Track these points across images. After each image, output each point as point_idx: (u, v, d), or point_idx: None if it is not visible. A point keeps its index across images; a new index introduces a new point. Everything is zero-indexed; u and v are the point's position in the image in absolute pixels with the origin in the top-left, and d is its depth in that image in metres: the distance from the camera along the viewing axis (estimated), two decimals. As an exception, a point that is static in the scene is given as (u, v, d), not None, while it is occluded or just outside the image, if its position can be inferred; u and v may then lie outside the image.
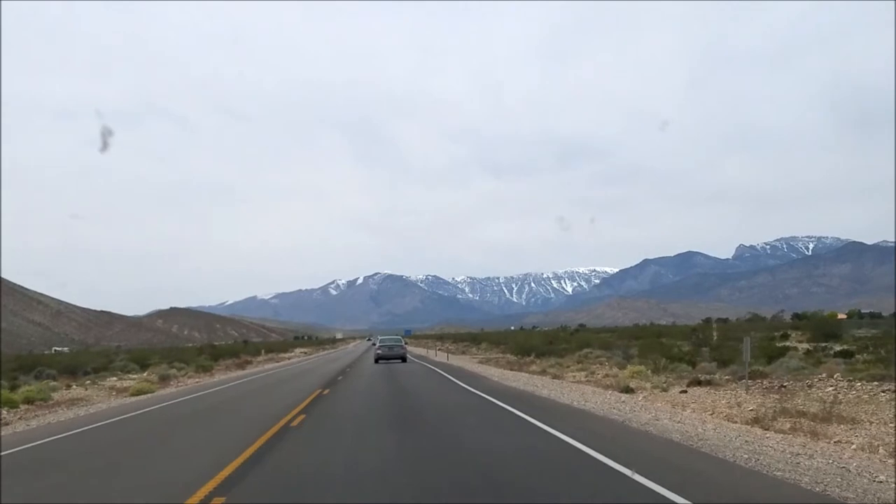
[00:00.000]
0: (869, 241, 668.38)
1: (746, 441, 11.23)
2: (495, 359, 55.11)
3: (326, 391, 23.72)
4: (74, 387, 34.98)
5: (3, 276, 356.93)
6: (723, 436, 11.83)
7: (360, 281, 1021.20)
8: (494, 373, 35.51)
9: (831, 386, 19.92)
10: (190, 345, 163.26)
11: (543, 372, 35.36)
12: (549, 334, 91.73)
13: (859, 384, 19.54)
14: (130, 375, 44.35)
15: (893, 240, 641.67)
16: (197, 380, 40.52)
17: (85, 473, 10.22)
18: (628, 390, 22.86)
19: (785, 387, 20.66)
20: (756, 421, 15.31)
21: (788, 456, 9.77)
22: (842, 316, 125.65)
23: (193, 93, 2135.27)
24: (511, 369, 39.98)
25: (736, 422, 15.35)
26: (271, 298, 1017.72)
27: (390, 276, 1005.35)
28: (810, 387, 20.32)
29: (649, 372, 28.99)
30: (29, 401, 26.44)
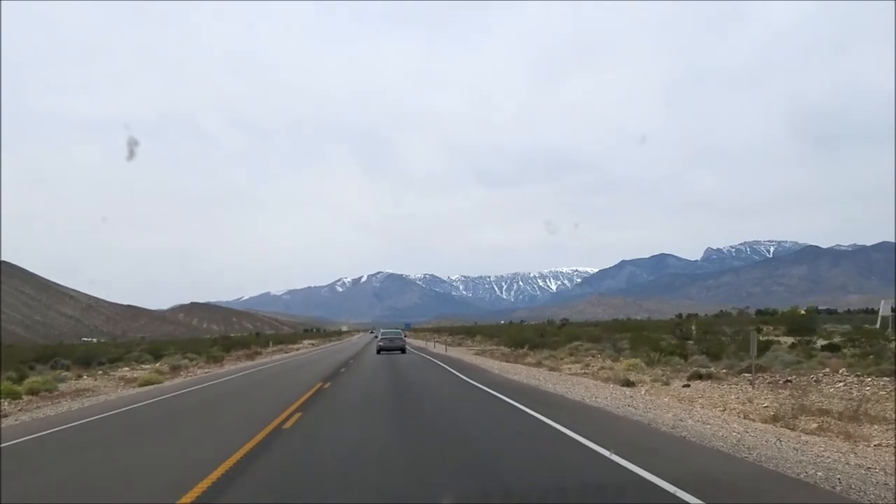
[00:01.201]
0: (824, 246, 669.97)
1: (795, 449, 8.94)
2: (490, 350, 52.85)
3: (327, 385, 21.22)
4: (85, 377, 32.65)
5: (37, 273, 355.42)
6: (763, 441, 9.54)
7: (363, 279, 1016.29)
8: (493, 365, 33.05)
9: (840, 381, 17.70)
10: (207, 336, 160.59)
11: (539, 364, 33.12)
12: (538, 328, 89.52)
13: (869, 380, 17.31)
14: (143, 366, 42.02)
15: (865, 242, 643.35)
16: (206, 370, 38.22)
17: (43, 477, 8.23)
18: (629, 384, 20.64)
19: (790, 382, 18.43)
20: (775, 419, 13.10)
21: (863, 472, 7.45)
22: (801, 312, 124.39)
23: (212, 107, 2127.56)
24: (507, 361, 37.71)
25: (754, 419, 13.17)
26: (283, 294, 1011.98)
27: (391, 275, 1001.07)
28: (817, 382, 18.11)
29: (644, 365, 26.84)
30: (33, 392, 24.11)
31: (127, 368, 39.40)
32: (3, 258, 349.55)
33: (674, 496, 6.23)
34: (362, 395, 17.70)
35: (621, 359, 32.58)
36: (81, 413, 16.86)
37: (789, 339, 37.44)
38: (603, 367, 28.15)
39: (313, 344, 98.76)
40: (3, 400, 21.40)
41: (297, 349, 77.02)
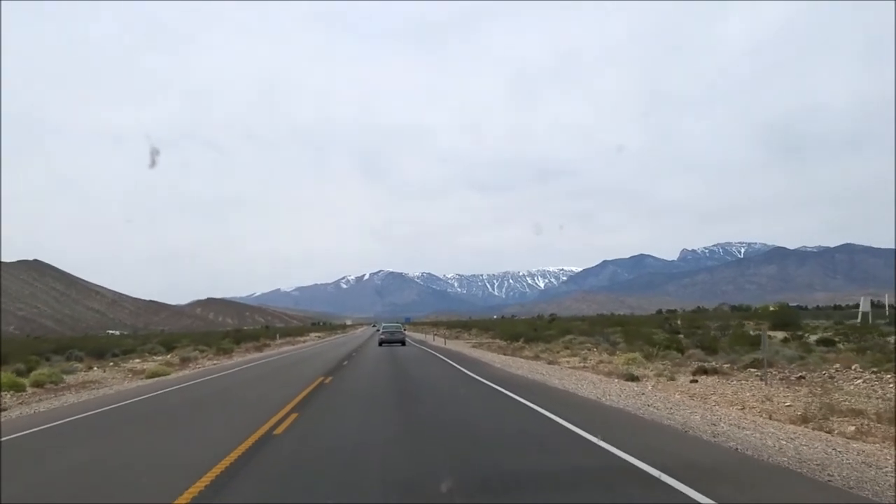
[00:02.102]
0: (791, 247, 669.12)
1: (867, 464, 7.07)
2: (487, 343, 50.96)
3: (328, 379, 19.19)
4: (95, 368, 30.72)
5: (67, 271, 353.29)
6: (822, 453, 7.63)
7: (366, 277, 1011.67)
8: (493, 358, 30.99)
9: (857, 378, 15.87)
10: (222, 329, 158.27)
11: (536, 357, 31.26)
12: (531, 322, 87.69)
13: (890, 377, 15.48)
14: (155, 357, 40.07)
15: (829, 244, 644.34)
16: (215, 362, 36.27)
17: None
18: (633, 378, 18.81)
19: (804, 378, 16.63)
20: (804, 420, 11.28)
21: None
22: (773, 308, 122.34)
23: (229, 123, 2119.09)
24: (505, 354, 35.88)
25: (781, 420, 11.38)
26: (292, 291, 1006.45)
27: (392, 273, 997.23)
28: (832, 378, 16.29)
29: (642, 359, 25.01)
30: (38, 384, 22.19)
31: (138, 360, 37.46)
32: (36, 257, 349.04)
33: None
34: (362, 395, 15.69)
35: (618, 352, 30.77)
36: (75, 409, 14.95)
37: (779, 334, 35.52)
38: (601, 361, 26.33)
39: (320, 337, 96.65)
40: (5, 393, 19.56)
41: (304, 341, 74.99)
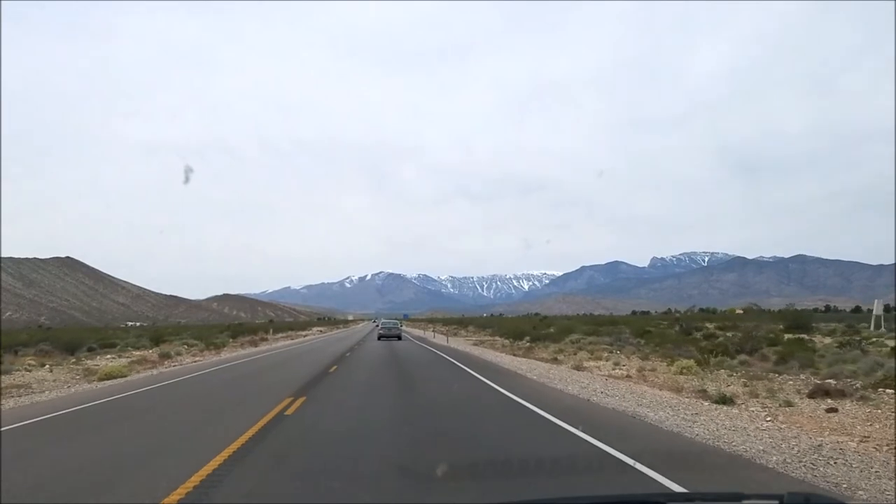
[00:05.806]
0: (750, 256, 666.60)
1: None
2: (489, 341, 44.10)
3: (297, 403, 11.23)
4: (46, 367, 23.54)
5: (95, 267, 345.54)
6: None
7: (368, 277, 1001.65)
8: (515, 364, 22.79)
9: None
10: (233, 323, 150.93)
11: (555, 360, 24.38)
12: (528, 320, 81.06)
13: None
14: (135, 352, 32.98)
15: (783, 255, 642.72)
16: (197, 359, 29.38)
17: None
18: (725, 400, 12.04)
19: None
20: None
21: None
22: (739, 311, 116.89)
23: (247, 136, 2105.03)
24: (515, 355, 29.06)
25: None
26: (301, 288, 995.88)
27: (391, 274, 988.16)
28: None
29: (696, 367, 18.33)
30: (-66, 391, 15.31)
31: (112, 356, 30.40)
32: (68, 254, 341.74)
33: None
34: (338, 450, 8.81)
35: (650, 357, 24.08)
36: None
37: (816, 339, 28.74)
38: (643, 369, 19.55)
39: (321, 331, 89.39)
40: None
41: (305, 335, 67.87)
